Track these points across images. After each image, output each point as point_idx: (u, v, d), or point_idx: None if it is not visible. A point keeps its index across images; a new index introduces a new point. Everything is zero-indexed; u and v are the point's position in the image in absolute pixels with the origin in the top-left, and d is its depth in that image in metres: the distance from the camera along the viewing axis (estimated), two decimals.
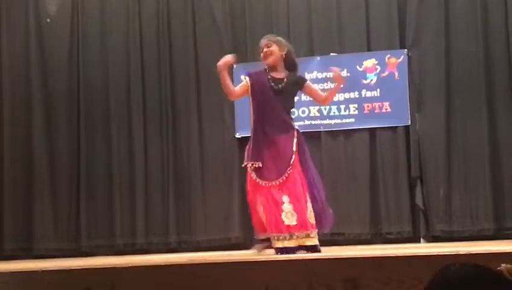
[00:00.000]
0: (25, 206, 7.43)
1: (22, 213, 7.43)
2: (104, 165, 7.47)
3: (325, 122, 7.13)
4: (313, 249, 4.51)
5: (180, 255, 6.11)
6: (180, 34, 7.48)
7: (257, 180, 4.63)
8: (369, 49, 7.19)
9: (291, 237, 4.49)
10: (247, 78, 4.80)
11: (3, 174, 7.50)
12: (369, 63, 7.12)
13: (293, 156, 4.63)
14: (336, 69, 4.95)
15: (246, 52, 7.35)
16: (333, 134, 7.14)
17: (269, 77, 4.73)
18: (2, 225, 7.42)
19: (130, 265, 3.68)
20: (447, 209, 6.80)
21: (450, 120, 6.91)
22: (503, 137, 6.80)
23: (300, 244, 4.51)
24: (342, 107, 7.12)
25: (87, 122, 7.52)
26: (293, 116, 4.97)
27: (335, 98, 7.09)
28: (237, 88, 4.84)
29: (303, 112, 7.15)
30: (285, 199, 4.56)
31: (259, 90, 4.72)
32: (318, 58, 7.23)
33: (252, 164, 4.68)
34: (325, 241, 6.79)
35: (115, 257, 6.71)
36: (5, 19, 7.74)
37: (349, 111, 7.11)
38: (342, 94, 7.11)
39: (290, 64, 4.82)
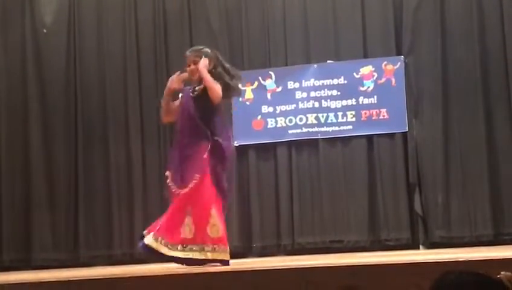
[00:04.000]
0: (23, 217, 7.41)
1: (20, 224, 7.41)
2: (102, 175, 7.46)
3: (322, 129, 7.13)
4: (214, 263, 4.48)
5: (178, 265, 6.07)
6: (177, 42, 7.47)
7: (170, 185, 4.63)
8: (365, 56, 7.19)
9: (183, 249, 4.48)
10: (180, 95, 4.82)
11: (1, 185, 7.48)
12: (366, 70, 7.12)
13: (203, 166, 4.56)
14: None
15: (243, 60, 7.36)
16: (331, 141, 7.13)
17: (192, 88, 4.76)
18: (1, 236, 7.40)
19: (129, 275, 3.68)
20: (445, 216, 6.79)
21: (447, 126, 6.91)
22: (500, 142, 6.80)
23: (195, 257, 4.48)
24: (340, 114, 7.11)
25: (85, 133, 7.51)
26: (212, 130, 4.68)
27: (333, 106, 7.12)
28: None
29: (300, 119, 7.15)
30: (188, 209, 4.55)
31: (183, 101, 4.74)
32: (315, 65, 7.23)
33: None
34: (323, 248, 6.83)
35: (114, 267, 6.69)
36: (2, 29, 7.74)
37: (346, 118, 7.11)
38: (340, 101, 7.11)
39: (216, 76, 4.69)
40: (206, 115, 4.66)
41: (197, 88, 4.74)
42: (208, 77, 4.62)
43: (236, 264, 4.60)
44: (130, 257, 7.19)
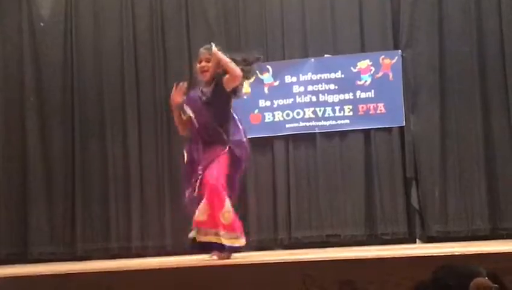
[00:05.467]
0: (20, 211, 7.41)
1: (17, 217, 7.41)
2: (99, 169, 7.45)
3: (319, 123, 7.13)
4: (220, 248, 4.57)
5: (176, 258, 6.09)
6: (174, 37, 7.47)
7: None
8: (363, 51, 7.19)
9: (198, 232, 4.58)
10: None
11: None
12: (364, 64, 7.11)
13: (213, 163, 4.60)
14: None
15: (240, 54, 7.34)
16: (328, 135, 7.13)
17: (200, 91, 4.69)
18: None
19: (126, 269, 3.68)
20: (442, 210, 6.80)
21: (444, 121, 6.91)
22: (497, 136, 6.81)
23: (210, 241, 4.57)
24: (337, 108, 7.11)
25: (82, 127, 7.50)
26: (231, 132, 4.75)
27: (330, 100, 7.12)
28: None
29: (298, 113, 7.15)
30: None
31: (194, 107, 4.67)
32: (312, 60, 7.23)
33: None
34: (320, 242, 6.84)
35: (110, 260, 6.69)
36: None
37: (343, 112, 7.11)
38: (337, 95, 7.11)
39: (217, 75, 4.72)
40: (220, 117, 4.69)
41: (205, 90, 4.68)
42: (225, 58, 4.62)
43: (233, 258, 4.60)
44: (127, 250, 7.20)
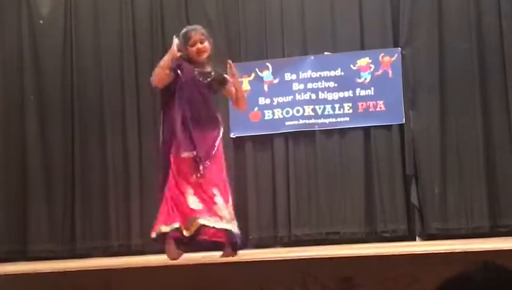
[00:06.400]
0: (19, 208, 7.41)
1: (17, 215, 7.41)
2: (99, 167, 7.45)
3: (319, 121, 7.13)
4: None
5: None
6: (174, 33, 7.43)
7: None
8: (362, 48, 7.19)
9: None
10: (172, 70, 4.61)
11: None
12: (363, 61, 7.11)
13: (215, 150, 4.63)
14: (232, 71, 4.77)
15: (240, 51, 7.35)
16: (328, 133, 7.13)
17: (196, 70, 4.62)
18: None
19: (125, 267, 3.68)
20: (442, 207, 6.80)
21: (444, 118, 6.91)
22: (497, 134, 6.81)
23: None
24: (336, 106, 7.11)
25: (81, 124, 7.50)
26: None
27: (330, 98, 7.12)
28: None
29: (297, 111, 7.15)
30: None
31: (186, 82, 4.58)
32: (312, 57, 7.23)
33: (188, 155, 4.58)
34: (320, 240, 6.84)
35: (110, 258, 6.69)
36: None
37: (343, 110, 7.10)
38: (337, 93, 7.11)
39: (210, 58, 4.73)
40: (214, 100, 4.82)
41: (207, 73, 4.68)
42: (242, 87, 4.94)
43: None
44: (127, 248, 7.20)
